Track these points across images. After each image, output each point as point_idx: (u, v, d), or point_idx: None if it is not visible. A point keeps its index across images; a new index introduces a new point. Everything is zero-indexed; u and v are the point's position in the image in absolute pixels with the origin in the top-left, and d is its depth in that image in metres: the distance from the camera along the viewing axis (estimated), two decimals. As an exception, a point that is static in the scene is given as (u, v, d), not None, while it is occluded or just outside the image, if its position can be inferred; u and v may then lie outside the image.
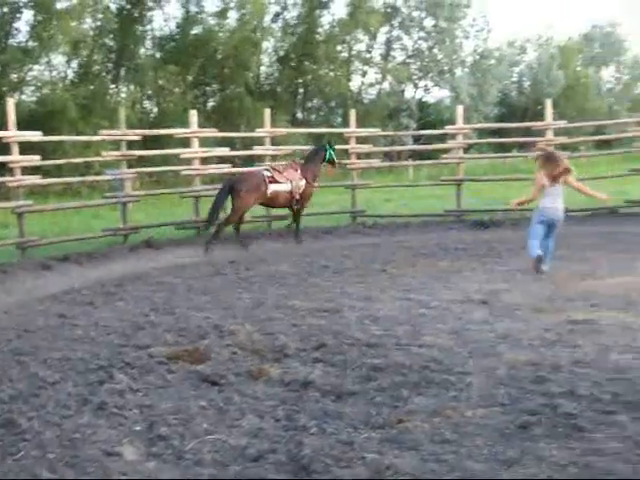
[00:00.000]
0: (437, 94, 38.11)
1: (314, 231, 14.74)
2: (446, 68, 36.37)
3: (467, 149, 17.47)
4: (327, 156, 14.39)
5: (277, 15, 34.63)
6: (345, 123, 19.04)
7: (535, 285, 8.80)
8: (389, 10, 36.39)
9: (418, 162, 22.11)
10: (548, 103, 16.35)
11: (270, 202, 13.79)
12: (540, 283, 8.90)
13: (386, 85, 36.07)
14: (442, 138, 17.85)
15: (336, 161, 14.69)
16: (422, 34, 36.96)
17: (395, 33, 37.15)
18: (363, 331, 6.80)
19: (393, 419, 4.56)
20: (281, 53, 34.29)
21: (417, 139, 29.74)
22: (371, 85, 36.19)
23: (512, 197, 17.35)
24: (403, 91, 36.89)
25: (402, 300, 8.21)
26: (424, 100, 37.85)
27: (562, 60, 39.46)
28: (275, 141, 16.27)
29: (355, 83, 36.13)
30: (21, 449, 4.35)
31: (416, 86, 37.42)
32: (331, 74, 34.24)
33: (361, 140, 17.11)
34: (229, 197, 13.09)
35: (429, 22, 36.52)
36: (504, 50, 39.37)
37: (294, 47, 33.93)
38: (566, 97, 38.30)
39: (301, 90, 35.11)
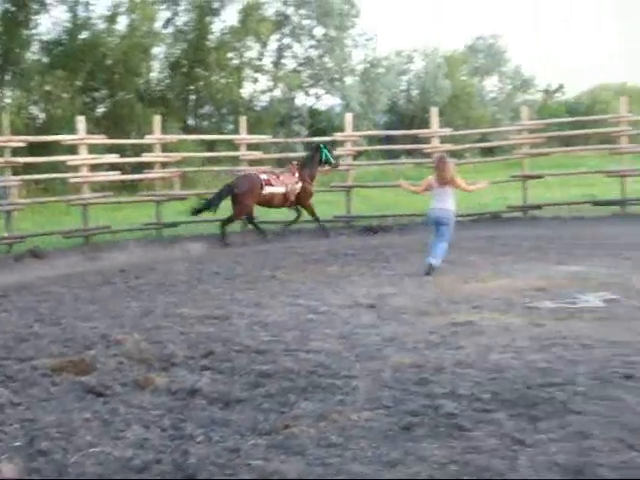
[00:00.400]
0: (328, 102, 38.32)
1: (207, 238, 14.67)
2: (336, 76, 36.72)
3: (357, 156, 17.69)
4: (323, 157, 15.38)
5: (168, 21, 34.24)
6: (237, 130, 19.03)
7: (421, 289, 9.01)
8: (280, 18, 36.52)
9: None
10: (434, 111, 16.79)
11: (266, 202, 14.92)
12: (426, 287, 9.13)
13: (277, 92, 36.16)
14: (332, 145, 18.02)
15: (333, 161, 15.58)
16: (313, 42, 37.25)
17: (286, 41, 37.34)
18: (252, 337, 6.82)
19: (280, 425, 4.59)
20: (172, 59, 33.89)
21: (308, 146, 29.96)
22: (263, 92, 36.21)
23: (401, 203, 17.93)
24: (294, 98, 37.07)
25: (291, 306, 8.27)
26: (315, 107, 38.13)
27: (448, 70, 40.47)
28: (166, 148, 16.11)
29: (247, 90, 36.09)
30: None
31: (307, 94, 37.68)
32: (223, 81, 34.07)
33: (252, 147, 17.12)
34: (227, 198, 14.52)
35: (319, 31, 36.85)
36: (393, 59, 40.07)
37: (185, 53, 33.59)
38: (452, 106, 39.31)
39: (193, 97, 34.82)
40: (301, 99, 37.86)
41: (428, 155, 17.19)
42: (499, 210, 16.53)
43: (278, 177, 14.82)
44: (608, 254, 10.99)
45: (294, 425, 4.56)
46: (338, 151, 17.06)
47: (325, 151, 15.44)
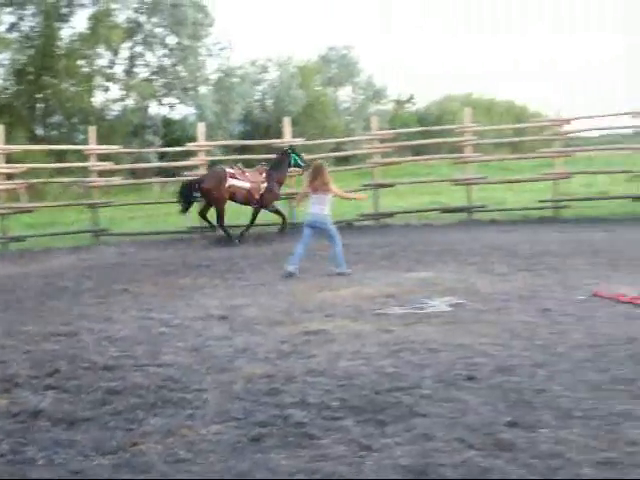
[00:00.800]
0: (182, 111, 37.87)
1: (54, 251, 14.20)
2: (190, 85, 36.42)
3: (211, 166, 17.57)
4: (292, 161, 15.61)
5: (13, 25, 32.95)
6: (87, 140, 18.52)
7: (274, 299, 9.03)
8: (132, 26, 35.87)
9: (162, 179, 21.95)
10: (287, 121, 16.93)
11: (229, 197, 15.06)
12: (279, 297, 9.15)
13: (130, 101, 35.47)
14: (188, 155, 17.87)
15: (303, 165, 15.57)
16: (165, 51, 36.79)
17: (138, 49, 36.70)
18: (100, 353, 6.64)
19: (126, 442, 4.49)
20: (18, 66, 32.61)
21: (162, 156, 29.54)
22: (114, 101, 35.42)
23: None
24: (148, 108, 36.46)
25: (143, 319, 8.11)
26: (169, 117, 37.65)
27: (302, 80, 40.91)
28: (10, 159, 15.47)
29: (98, 99, 35.20)
30: None
31: (161, 103, 37.14)
32: (72, 89, 33.10)
33: (103, 157, 16.71)
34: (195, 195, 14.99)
35: (172, 39, 36.43)
36: (247, 69, 40.12)
37: (32, 60, 32.43)
38: (307, 115, 39.72)
39: (41, 105, 33.64)
40: (155, 108, 37.29)
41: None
42: (352, 219, 16.82)
43: (244, 173, 15.22)
44: (455, 260, 11.39)
45: (142, 442, 4.47)
46: (191, 161, 16.93)
47: (294, 155, 15.69)
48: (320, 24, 67.02)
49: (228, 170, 15.15)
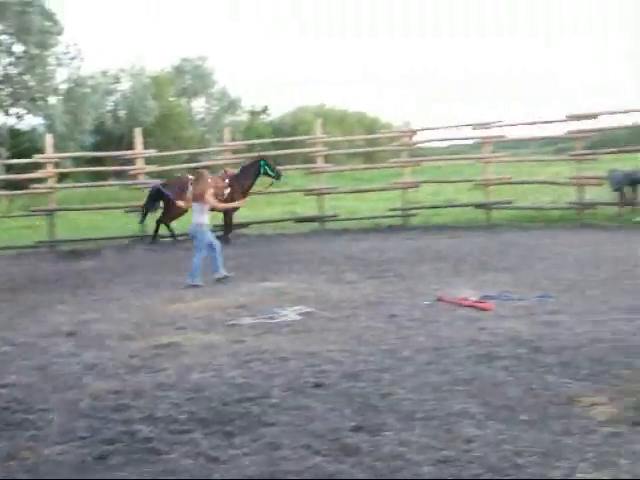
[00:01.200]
0: (30, 122, 36.57)
1: None
2: (39, 95, 35.26)
3: (61, 178, 17.13)
4: (262, 170, 15.91)
5: None
6: None
7: (125, 313, 8.88)
8: (-25, 33, 34.44)
9: (8, 192, 21.18)
10: (138, 132, 16.70)
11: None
12: (131, 311, 9.00)
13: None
14: (36, 167, 17.28)
15: (272, 175, 16.13)
16: (12, 59, 35.47)
17: (-18, 57, 35.24)
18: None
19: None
20: None
21: (9, 169, 28.45)
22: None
23: (109, 226, 17.61)
24: (-6, 118, 35.07)
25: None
26: (17, 128, 36.29)
27: (156, 90, 40.45)
28: None
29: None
30: None
31: (7, 113, 35.75)
32: None
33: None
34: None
35: (19, 47, 35.16)
36: (99, 79, 39.22)
37: None
38: (161, 126, 39.31)
39: None
40: (0, 119, 35.86)
41: (134, 177, 17.05)
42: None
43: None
44: (306, 269, 11.56)
45: (-21, 467, 4.31)
46: (39, 174, 16.42)
47: (264, 164, 15.93)
48: (174, 34, 66.49)
49: (190, 177, 14.88)
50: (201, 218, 10.69)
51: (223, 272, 10.66)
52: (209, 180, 10.97)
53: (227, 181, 15.54)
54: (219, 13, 78.01)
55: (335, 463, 4.17)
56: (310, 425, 4.76)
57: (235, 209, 15.40)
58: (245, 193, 15.78)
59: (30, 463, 4.35)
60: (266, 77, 75.05)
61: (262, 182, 16.61)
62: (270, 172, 16.08)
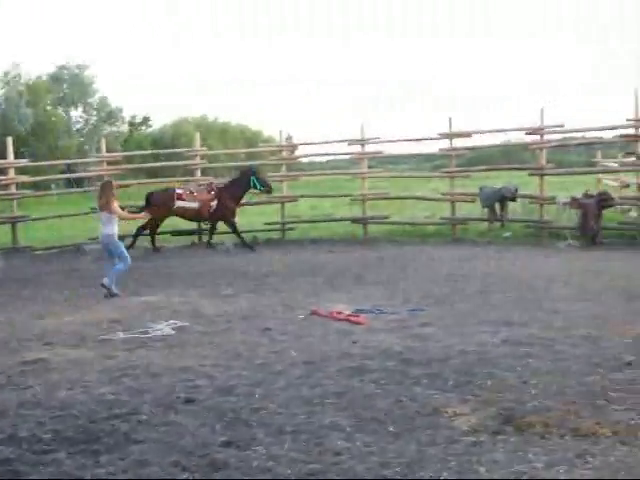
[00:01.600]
0: None
1: None
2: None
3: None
4: (251, 182, 16.16)
5: None
6: None
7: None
8: None
9: None
10: (9, 141, 16.18)
11: (179, 214, 16.14)
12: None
13: None
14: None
15: (261, 188, 16.32)
16: None
17: None
18: None
19: None
20: None
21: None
22: None
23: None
24: None
25: None
26: None
27: (31, 98, 39.26)
28: None
29: None
30: None
31: None
32: None
33: None
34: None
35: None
36: (-31, 84, 37.86)
37: None
38: (37, 135, 38.21)
39: None
40: None
41: (5, 187, 16.48)
42: (81, 242, 16.38)
43: (192, 193, 15.91)
44: (182, 283, 11.46)
45: None
46: None
47: (253, 177, 16.20)
48: (54, 40, 64.58)
49: (177, 191, 15.85)
50: (109, 228, 10.55)
51: (113, 287, 10.40)
52: (114, 190, 10.85)
53: (213, 193, 15.98)
54: (105, 17, 75.84)
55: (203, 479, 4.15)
56: (179, 441, 4.71)
57: (233, 216, 16.20)
58: (238, 203, 16.40)
59: None
60: (150, 84, 73.70)
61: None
62: (258, 185, 16.35)
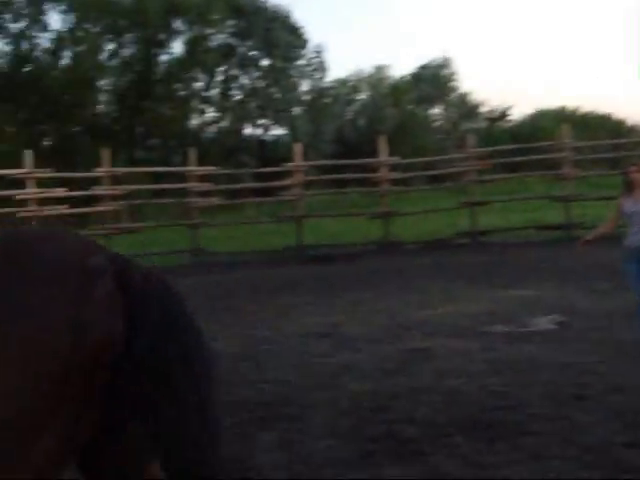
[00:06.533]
0: (276, 132, 38.35)
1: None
2: (283, 106, 36.95)
3: (307, 186, 17.82)
4: None
5: (113, 53, 34.19)
6: (184, 162, 19.03)
7: (373, 316, 9.07)
8: (226, 49, 36.68)
9: (259, 199, 22.33)
10: (382, 140, 17.01)
11: None
12: (378, 315, 9.19)
13: (225, 123, 36.23)
14: (282, 175, 18.09)
15: None
16: (259, 73, 37.43)
17: (233, 72, 37.44)
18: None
19: (245, 455, 4.60)
20: (119, 92, 33.79)
21: (257, 177, 30.07)
22: (210, 124, 36.25)
23: (351, 231, 18.07)
24: (242, 129, 37.17)
25: (246, 337, 8.27)
26: (263, 138, 38.23)
27: (394, 98, 40.98)
28: (114, 181, 16.00)
29: (194, 122, 36.10)
30: None
31: (255, 124, 37.77)
32: (170, 112, 34.08)
33: (201, 179, 17.11)
34: None
35: (266, 61, 37.05)
36: (339, 89, 40.46)
37: (132, 85, 33.55)
38: (399, 134, 39.69)
39: (140, 129, 34.69)
40: (249, 130, 37.98)
41: (376, 184, 17.40)
42: (448, 237, 16.76)
43: None
44: (553, 277, 11.21)
45: (256, 455, 4.58)
46: (286, 181, 17.16)
47: None
48: (414, 40, 66.65)
49: None
50: None
51: None
52: None
53: None
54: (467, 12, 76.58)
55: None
56: (578, 437, 4.60)
57: None
58: None
59: (302, 455, 4.56)
60: (508, 79, 73.00)
61: None
62: None
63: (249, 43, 37.43)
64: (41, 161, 14.88)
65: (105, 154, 15.47)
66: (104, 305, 1.93)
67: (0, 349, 1.86)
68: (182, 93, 35.49)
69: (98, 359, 1.90)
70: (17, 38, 31.66)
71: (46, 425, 1.90)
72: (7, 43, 32.04)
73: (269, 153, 36.52)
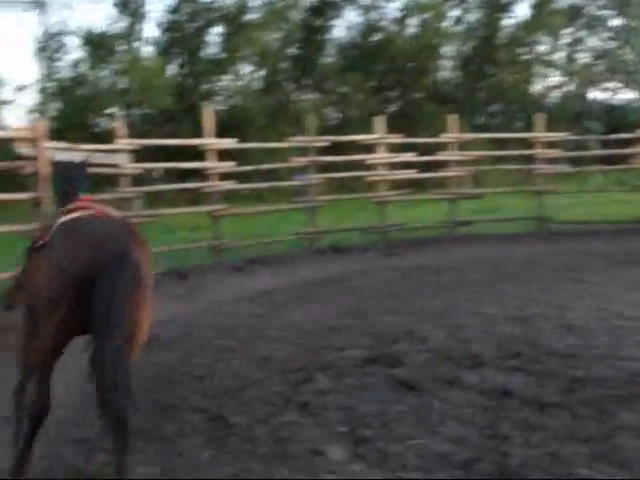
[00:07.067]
0: (625, 96, 36.15)
1: (499, 237, 14.53)
2: (634, 69, 34.73)
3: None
4: None
5: (458, 19, 34.36)
6: (527, 128, 18.63)
7: None
8: (573, 10, 35.21)
9: (607, 167, 21.29)
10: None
11: None
12: None
13: (570, 88, 34.92)
14: (630, 142, 17.00)
15: None
16: (608, 34, 35.50)
17: (579, 34, 35.88)
18: (559, 340, 6.63)
19: (600, 434, 4.43)
20: (462, 57, 33.95)
21: (604, 144, 28.61)
22: (554, 88, 35.14)
23: None
24: (588, 94, 35.59)
25: (598, 310, 7.91)
26: (610, 103, 36.27)
27: None
28: (460, 147, 16.09)
29: (537, 86, 35.24)
30: (232, 443, 4.57)
31: (602, 88, 35.97)
32: (512, 78, 33.57)
33: (546, 145, 16.63)
34: None
35: (616, 21, 35.03)
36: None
37: (475, 51, 33.53)
38: None
39: (481, 95, 34.58)
40: (595, 94, 36.27)
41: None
42: None
43: None
44: None
45: (617, 436, 4.38)
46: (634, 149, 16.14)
47: None
48: None
49: None
50: None
51: None
52: None
53: None
54: None
55: None
56: None
57: None
58: None
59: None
60: None
61: None
62: None
63: (599, 2, 35.61)
64: (387, 127, 15.36)
65: (451, 120, 15.61)
66: (97, 258, 3.66)
67: (49, 262, 3.80)
68: (525, 57, 34.75)
69: (87, 281, 3.58)
70: (367, 9, 33.05)
71: (59, 306, 3.62)
72: (358, 14, 33.65)
73: (617, 119, 34.62)
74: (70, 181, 4.99)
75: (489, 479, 3.91)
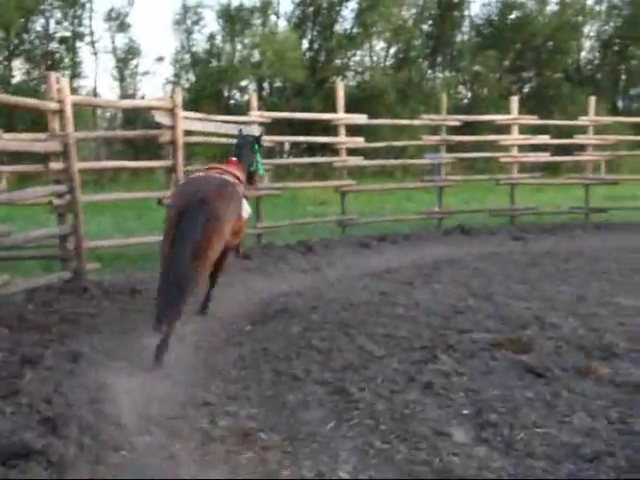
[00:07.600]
0: None
1: (634, 227, 13.96)
2: None
3: None
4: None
5: (601, -3, 33.09)
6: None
7: None
8: None
9: None
10: None
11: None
12: None
13: None
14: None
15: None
16: None
17: None
18: None
19: None
20: (604, 37, 32.70)
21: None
22: None
23: None
24: None
25: None
26: None
27: None
28: (597, 130, 15.50)
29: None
30: (354, 417, 4.56)
31: None
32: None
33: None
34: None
35: None
36: None
37: (618, 30, 32.21)
38: None
39: (623, 76, 33.26)
40: None
41: None
42: None
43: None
44: None
45: None
46: None
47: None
48: None
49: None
50: None
51: None
52: None
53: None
54: None
55: None
56: None
57: None
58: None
59: None
60: None
61: None
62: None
63: None
64: (521, 107, 14.95)
65: (591, 102, 15.03)
66: (186, 202, 5.88)
67: (169, 203, 6.61)
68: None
69: (181, 215, 5.80)
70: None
71: (171, 225, 5.92)
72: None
73: None
74: (238, 148, 7.36)
75: (618, 476, 3.75)
